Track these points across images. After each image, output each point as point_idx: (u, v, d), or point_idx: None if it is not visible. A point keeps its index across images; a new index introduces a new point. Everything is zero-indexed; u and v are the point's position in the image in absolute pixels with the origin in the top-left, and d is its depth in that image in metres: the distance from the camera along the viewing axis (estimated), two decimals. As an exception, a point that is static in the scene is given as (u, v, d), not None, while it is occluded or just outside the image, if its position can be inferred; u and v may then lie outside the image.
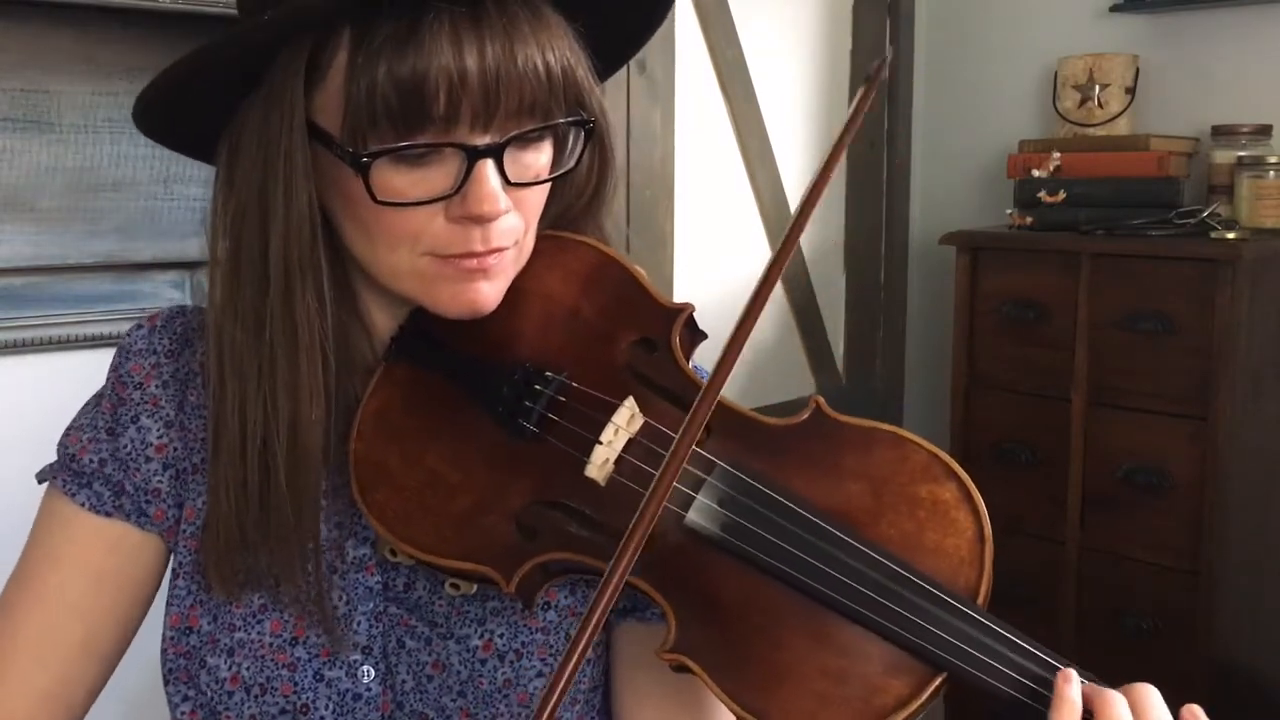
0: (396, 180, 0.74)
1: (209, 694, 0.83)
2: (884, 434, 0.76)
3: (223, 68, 0.75)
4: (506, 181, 0.75)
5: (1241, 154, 2.34)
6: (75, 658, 0.85)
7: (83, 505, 0.85)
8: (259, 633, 0.83)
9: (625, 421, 0.77)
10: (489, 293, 0.79)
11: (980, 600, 0.71)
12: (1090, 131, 2.53)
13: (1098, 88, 2.53)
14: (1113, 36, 2.62)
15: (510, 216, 0.77)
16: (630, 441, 0.77)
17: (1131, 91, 2.52)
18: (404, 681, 0.83)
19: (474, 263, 0.77)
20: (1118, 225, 2.30)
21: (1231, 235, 2.18)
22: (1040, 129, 2.71)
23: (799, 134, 2.72)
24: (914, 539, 0.73)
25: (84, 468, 0.86)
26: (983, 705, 0.68)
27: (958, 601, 0.69)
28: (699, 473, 0.75)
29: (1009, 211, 2.51)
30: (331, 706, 0.83)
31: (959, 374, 2.54)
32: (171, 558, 0.87)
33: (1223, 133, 2.40)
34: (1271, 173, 2.28)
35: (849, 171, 2.86)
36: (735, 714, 0.70)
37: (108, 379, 0.89)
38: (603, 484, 0.76)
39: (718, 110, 2.51)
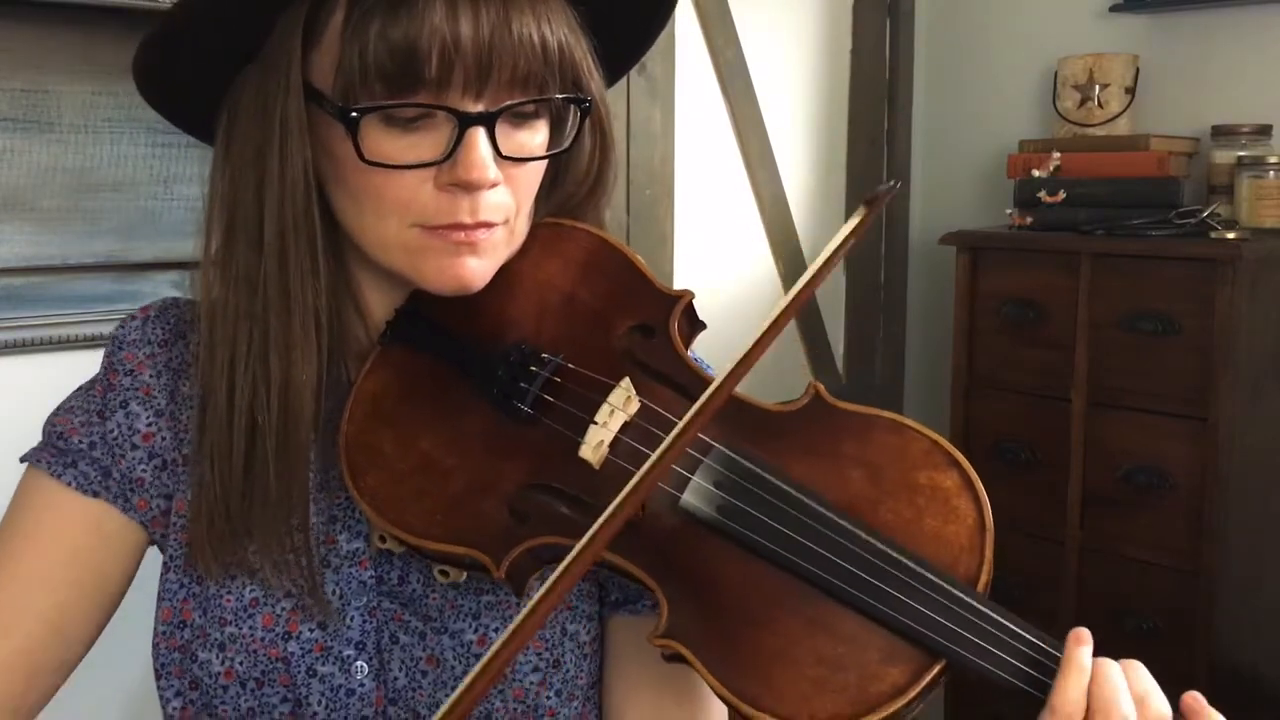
0: (386, 144, 0.74)
1: (203, 688, 0.83)
2: (884, 420, 0.75)
3: (219, 15, 0.75)
4: (498, 154, 0.75)
5: (1241, 154, 2.34)
6: (40, 631, 0.83)
7: (69, 485, 0.84)
8: (250, 627, 0.82)
9: (621, 402, 0.77)
10: (476, 269, 0.78)
11: (980, 588, 0.70)
12: (1090, 131, 2.52)
13: (1098, 88, 2.53)
14: (1113, 36, 2.62)
15: (500, 191, 0.77)
16: (626, 424, 0.76)
17: (1131, 91, 2.52)
18: (396, 678, 0.83)
19: (461, 235, 0.76)
20: (1118, 225, 2.30)
21: (1231, 235, 2.18)
22: (1040, 129, 2.71)
23: (799, 134, 2.72)
24: (913, 526, 0.71)
25: (72, 447, 0.85)
26: (985, 695, 0.68)
27: (956, 588, 0.68)
28: (695, 454, 0.74)
29: (1009, 211, 2.51)
30: (324, 702, 0.82)
31: (959, 374, 2.53)
32: (163, 552, 0.87)
33: (1223, 133, 2.40)
34: (1271, 173, 2.28)
35: (849, 171, 2.86)
36: (727, 702, 0.68)
37: (101, 366, 0.88)
38: (597, 467, 0.75)
39: (718, 110, 2.51)
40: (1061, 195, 2.41)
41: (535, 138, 0.78)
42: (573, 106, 0.80)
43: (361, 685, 0.83)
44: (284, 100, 0.74)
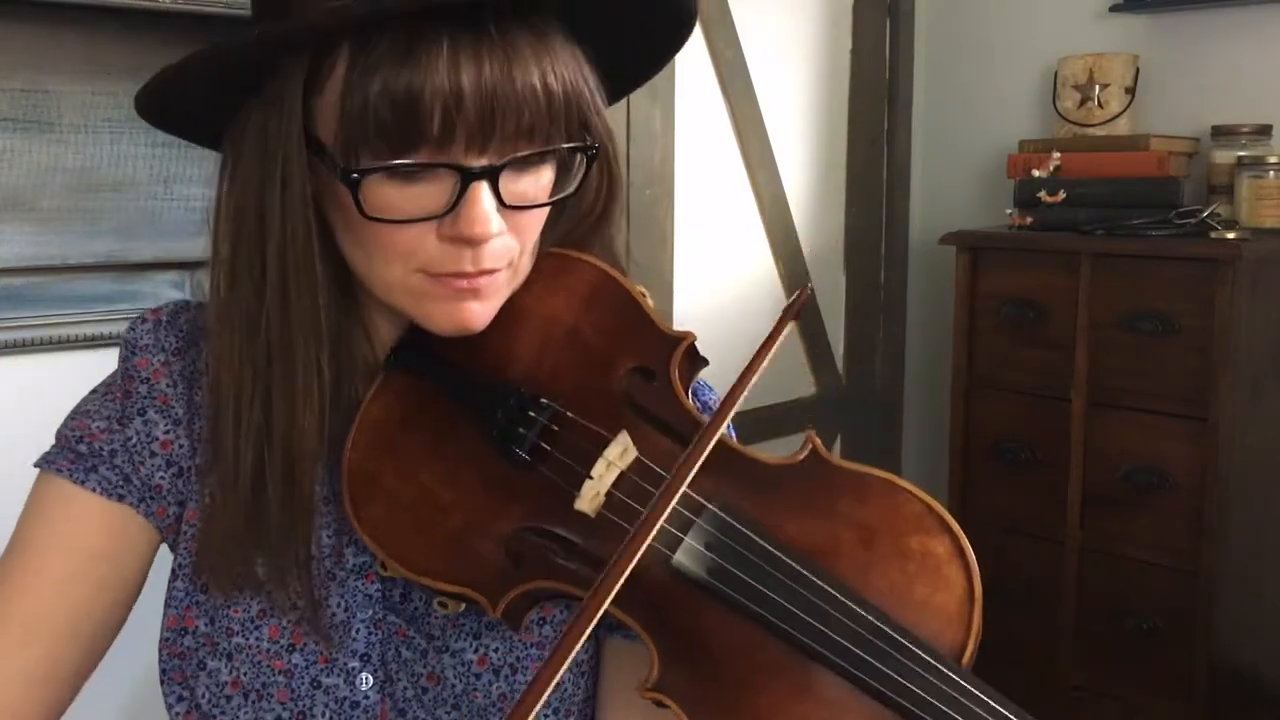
0: (389, 195, 0.73)
1: (206, 697, 0.83)
2: (879, 481, 0.75)
3: (222, 73, 0.75)
4: (502, 204, 0.74)
5: (1241, 154, 2.34)
6: (62, 639, 0.83)
7: (93, 490, 0.84)
8: (256, 638, 0.83)
9: (617, 456, 0.77)
10: (479, 312, 0.78)
11: (965, 660, 0.70)
12: (1090, 131, 2.53)
13: (1098, 88, 2.53)
14: (1113, 36, 2.62)
15: (504, 239, 0.76)
16: (622, 475, 0.76)
17: (1131, 91, 2.52)
18: (405, 689, 0.83)
19: (464, 283, 0.76)
20: (1118, 225, 2.30)
21: (1231, 235, 2.18)
22: (1040, 129, 2.71)
23: (799, 134, 2.72)
24: (902, 592, 0.72)
25: (93, 451, 0.85)
26: None
27: (940, 663, 0.69)
28: (688, 514, 0.74)
29: (1009, 211, 2.51)
30: (329, 714, 0.82)
31: (959, 374, 2.54)
32: (172, 558, 0.87)
33: (1223, 133, 2.40)
34: (1271, 173, 2.28)
35: (849, 171, 2.86)
36: None
37: (118, 370, 0.88)
38: (593, 516, 0.76)
39: (718, 110, 2.51)
40: (1061, 195, 2.41)
41: (540, 180, 0.78)
42: (579, 153, 0.79)
43: (366, 698, 0.83)
44: (285, 148, 0.74)
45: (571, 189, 0.80)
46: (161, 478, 0.86)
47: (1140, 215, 2.30)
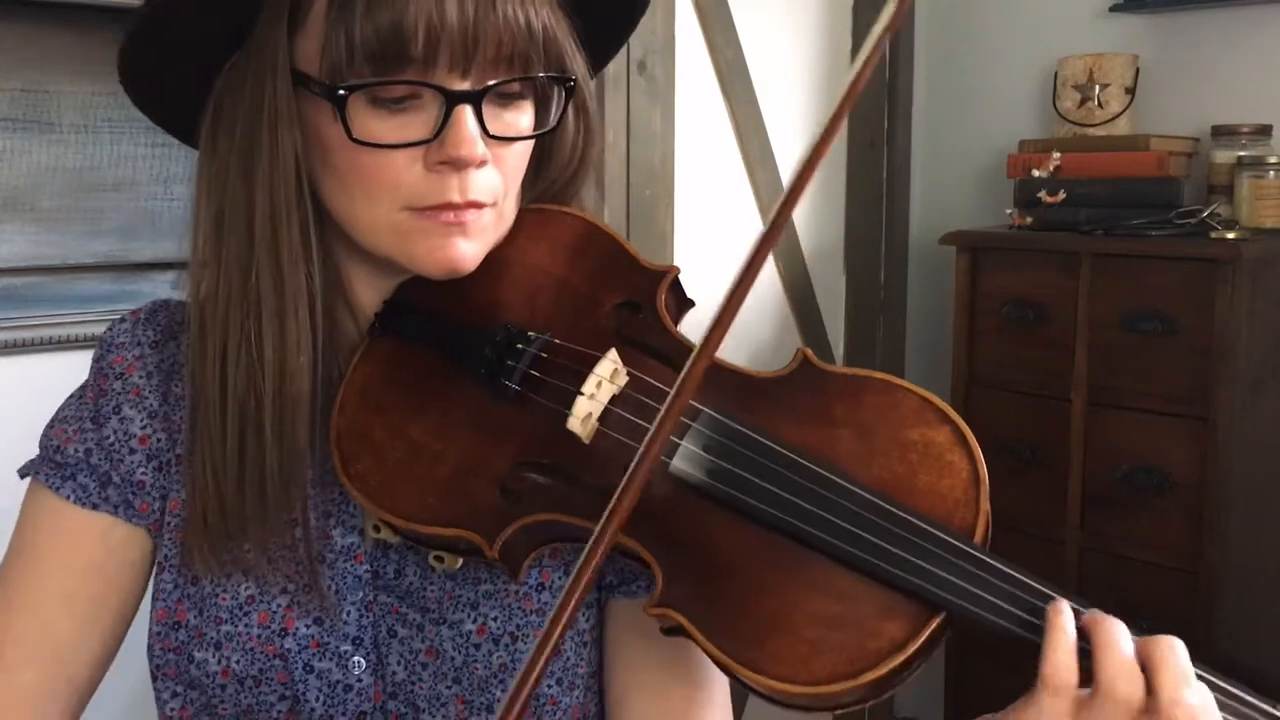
0: (373, 126, 0.74)
1: (201, 688, 0.83)
2: (874, 381, 0.75)
3: (201, 16, 0.75)
4: (486, 133, 0.76)
5: (1241, 154, 2.34)
6: (64, 653, 0.84)
7: (68, 498, 0.84)
8: (246, 625, 0.82)
9: (608, 374, 0.76)
10: (467, 250, 0.78)
11: (977, 539, 0.69)
12: (1090, 131, 2.52)
13: (1098, 88, 2.53)
14: (1113, 36, 2.62)
15: (489, 172, 0.77)
16: (614, 397, 0.76)
17: (1131, 91, 2.52)
18: (395, 672, 0.83)
19: (451, 216, 0.77)
20: (1118, 225, 2.30)
21: (1231, 235, 2.18)
22: (1040, 129, 2.71)
23: (799, 134, 2.72)
24: (906, 482, 0.70)
25: (68, 459, 0.85)
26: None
27: (950, 536, 0.67)
28: (684, 419, 0.73)
29: (1009, 211, 2.51)
30: (322, 698, 0.82)
31: (959, 374, 2.53)
32: (157, 551, 0.87)
33: (1223, 133, 2.40)
34: (1271, 173, 2.28)
35: (849, 171, 2.86)
36: (726, 668, 0.68)
37: (90, 372, 0.88)
38: (585, 440, 0.75)
39: (718, 110, 2.51)
40: (1061, 195, 2.41)
41: (521, 119, 0.79)
42: (557, 88, 0.81)
43: (359, 680, 0.83)
44: (272, 85, 0.75)
45: (551, 124, 0.82)
46: (143, 473, 0.85)
47: (1140, 215, 2.30)
